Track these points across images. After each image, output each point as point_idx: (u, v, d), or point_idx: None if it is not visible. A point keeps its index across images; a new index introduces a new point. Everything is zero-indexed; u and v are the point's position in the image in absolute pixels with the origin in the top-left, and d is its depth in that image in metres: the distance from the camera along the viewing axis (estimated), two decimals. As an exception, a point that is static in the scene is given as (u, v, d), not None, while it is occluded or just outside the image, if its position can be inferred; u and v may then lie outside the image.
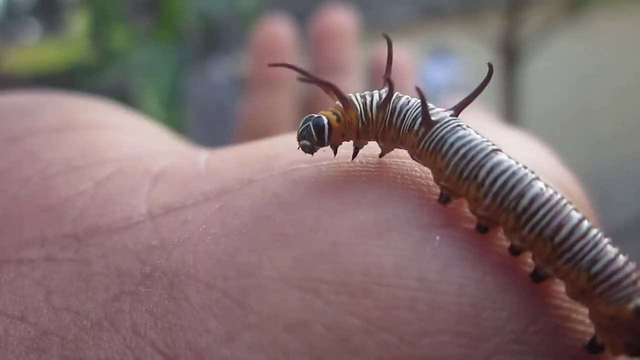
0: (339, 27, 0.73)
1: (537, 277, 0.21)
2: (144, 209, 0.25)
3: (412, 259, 0.20)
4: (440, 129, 0.22)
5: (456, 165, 0.22)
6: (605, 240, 0.21)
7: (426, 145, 0.22)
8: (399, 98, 0.24)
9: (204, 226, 0.23)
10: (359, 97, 0.24)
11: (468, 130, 0.22)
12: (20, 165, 0.28)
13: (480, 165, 0.21)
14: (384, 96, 0.24)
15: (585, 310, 0.21)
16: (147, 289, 0.22)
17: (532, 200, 0.21)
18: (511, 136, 0.32)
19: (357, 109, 0.24)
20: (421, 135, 0.22)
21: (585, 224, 0.21)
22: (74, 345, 0.21)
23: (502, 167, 0.21)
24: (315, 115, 0.23)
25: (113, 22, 1.75)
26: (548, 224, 0.20)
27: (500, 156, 0.22)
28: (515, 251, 0.21)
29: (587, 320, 0.21)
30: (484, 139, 0.22)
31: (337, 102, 0.24)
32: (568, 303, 0.21)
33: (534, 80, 2.78)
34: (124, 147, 0.30)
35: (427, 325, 0.19)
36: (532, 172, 0.21)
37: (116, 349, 0.21)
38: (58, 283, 0.23)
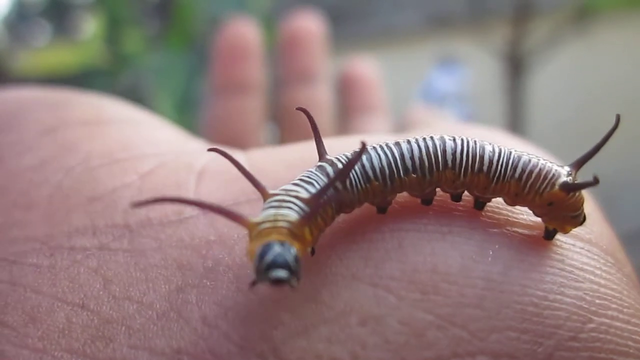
0: (307, 34, 0.70)
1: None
2: None
3: (476, 260, 0.21)
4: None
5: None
6: (518, 151, 0.24)
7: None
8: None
9: None
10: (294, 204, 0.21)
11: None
12: (59, 156, 0.27)
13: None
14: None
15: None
16: (212, 282, 0.22)
17: (454, 152, 0.24)
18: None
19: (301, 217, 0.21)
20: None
21: (495, 147, 0.24)
22: (142, 335, 0.21)
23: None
24: (277, 247, 0.20)
25: (126, 25, 1.77)
26: (473, 163, 0.24)
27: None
28: (456, 198, 0.24)
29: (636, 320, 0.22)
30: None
31: (281, 224, 0.21)
32: (619, 303, 0.22)
33: (539, 90, 2.80)
34: (160, 142, 0.30)
35: (495, 322, 0.20)
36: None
37: (189, 339, 0.21)
38: (115, 273, 0.23)
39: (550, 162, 0.24)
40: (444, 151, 0.23)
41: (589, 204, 0.26)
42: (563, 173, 0.24)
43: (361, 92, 0.70)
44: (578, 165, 0.24)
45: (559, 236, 0.24)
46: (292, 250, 0.20)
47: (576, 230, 0.24)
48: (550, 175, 0.23)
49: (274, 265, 0.19)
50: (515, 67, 2.49)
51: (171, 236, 0.24)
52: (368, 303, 0.20)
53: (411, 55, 3.23)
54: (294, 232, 0.21)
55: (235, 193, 0.25)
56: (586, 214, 0.24)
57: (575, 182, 0.24)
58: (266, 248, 0.20)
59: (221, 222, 0.23)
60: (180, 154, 0.29)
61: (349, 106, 0.69)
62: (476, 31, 2.52)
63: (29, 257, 0.24)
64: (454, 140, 0.24)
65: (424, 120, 0.66)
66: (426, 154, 0.23)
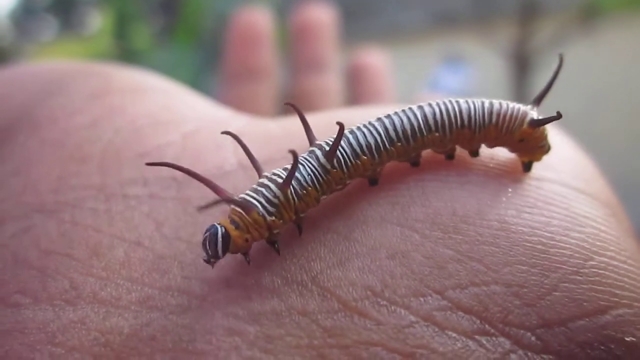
0: (318, 23, 0.73)
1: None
2: (234, 160, 0.27)
3: (491, 205, 0.25)
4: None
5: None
6: (488, 100, 0.27)
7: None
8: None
9: None
10: (254, 194, 0.24)
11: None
12: (107, 117, 0.30)
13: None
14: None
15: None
16: None
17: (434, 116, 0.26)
18: None
19: (257, 207, 0.24)
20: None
21: (469, 102, 0.27)
22: (194, 268, 0.24)
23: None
24: (216, 225, 0.23)
25: (134, 21, 1.78)
26: (455, 120, 0.26)
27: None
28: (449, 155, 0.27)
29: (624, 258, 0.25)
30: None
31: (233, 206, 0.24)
32: (616, 247, 0.25)
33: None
34: (197, 108, 0.33)
35: (508, 257, 0.23)
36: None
37: (238, 270, 0.24)
38: (165, 216, 0.26)
39: (515, 104, 0.27)
40: (425, 117, 0.26)
41: (589, 164, 0.29)
42: (529, 111, 0.27)
43: (369, 80, 0.72)
44: (538, 101, 0.27)
45: (564, 188, 0.26)
46: (216, 231, 0.23)
47: (580, 185, 0.26)
48: (520, 114, 0.26)
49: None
50: (521, 66, 2.50)
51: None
52: (396, 240, 0.23)
53: (417, 53, 3.24)
54: (244, 219, 0.23)
55: (270, 151, 0.27)
56: (589, 173, 0.27)
57: (540, 117, 0.27)
58: (209, 228, 0.23)
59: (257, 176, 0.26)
60: (216, 119, 0.32)
61: (357, 93, 0.72)
62: (482, 30, 2.53)
63: (87, 202, 0.26)
64: (431, 105, 0.26)
65: None
66: (407, 124, 0.26)
